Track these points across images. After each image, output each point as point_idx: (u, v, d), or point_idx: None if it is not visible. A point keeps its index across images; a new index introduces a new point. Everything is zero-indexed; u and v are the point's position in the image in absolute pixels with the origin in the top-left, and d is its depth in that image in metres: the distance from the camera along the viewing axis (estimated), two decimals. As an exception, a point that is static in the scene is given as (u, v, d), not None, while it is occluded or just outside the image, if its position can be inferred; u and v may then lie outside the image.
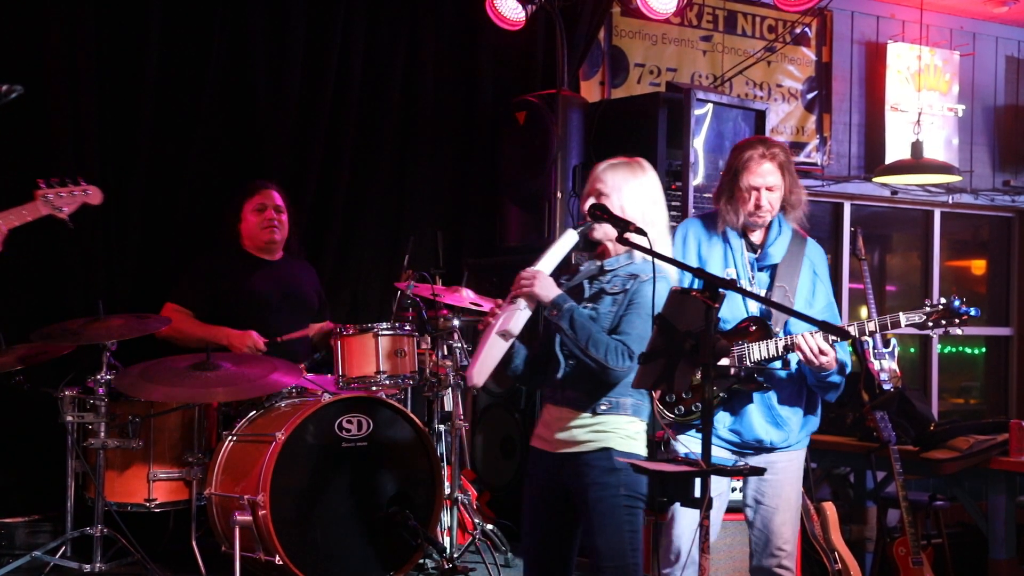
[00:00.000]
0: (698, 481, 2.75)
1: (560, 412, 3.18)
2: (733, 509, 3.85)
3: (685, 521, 3.54)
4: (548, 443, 3.20)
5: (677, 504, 3.53)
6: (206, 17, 5.20)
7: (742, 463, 3.50)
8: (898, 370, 5.92)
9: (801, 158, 7.12)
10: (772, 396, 3.55)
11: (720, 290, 2.74)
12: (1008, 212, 8.12)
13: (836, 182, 7.28)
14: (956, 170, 6.83)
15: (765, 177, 3.53)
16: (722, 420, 3.56)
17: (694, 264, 3.65)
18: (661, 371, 2.98)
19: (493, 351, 3.09)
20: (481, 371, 3.08)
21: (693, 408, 3.58)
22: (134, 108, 5.06)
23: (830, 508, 5.04)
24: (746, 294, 3.21)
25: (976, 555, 5.61)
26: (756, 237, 3.64)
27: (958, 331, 3.34)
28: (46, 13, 4.89)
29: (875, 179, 7.20)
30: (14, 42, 4.88)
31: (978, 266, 8.44)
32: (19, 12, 4.88)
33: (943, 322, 3.33)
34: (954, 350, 8.16)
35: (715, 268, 3.61)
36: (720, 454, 3.57)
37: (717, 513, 3.63)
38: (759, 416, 3.54)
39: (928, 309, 3.36)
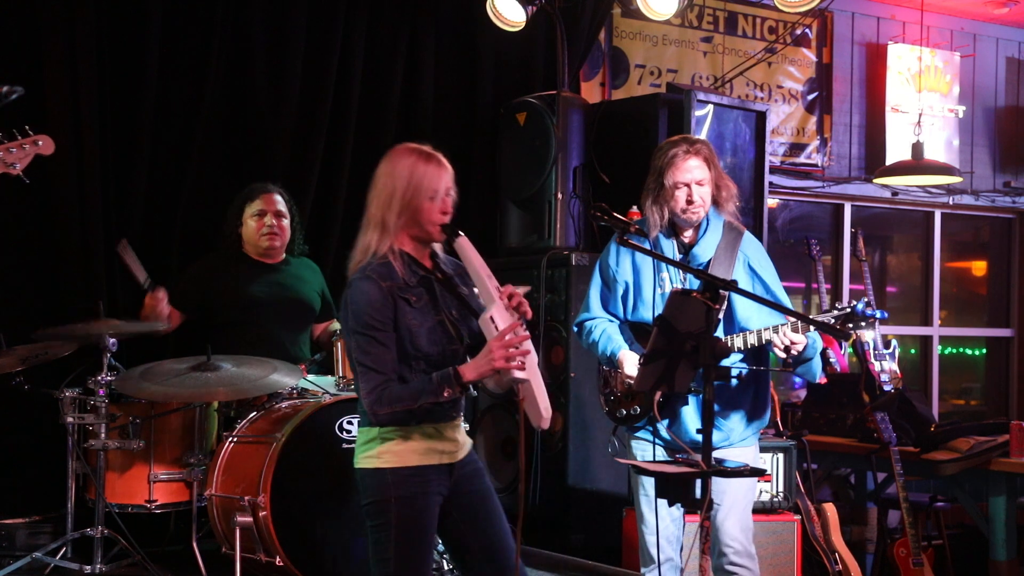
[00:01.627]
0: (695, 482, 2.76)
1: (457, 422, 3.05)
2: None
3: (654, 520, 3.58)
4: (450, 455, 3.00)
5: (648, 505, 3.59)
6: (206, 17, 5.20)
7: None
8: (898, 371, 5.93)
9: (802, 159, 7.13)
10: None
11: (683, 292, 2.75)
12: (1009, 213, 8.13)
13: (836, 183, 7.28)
14: (957, 171, 6.83)
15: (693, 172, 3.57)
16: (662, 423, 3.59)
17: (629, 275, 3.66)
18: (661, 372, 3.00)
19: (540, 382, 2.92)
20: (549, 408, 2.92)
21: (633, 411, 3.61)
22: (134, 109, 5.06)
23: (831, 509, 5.04)
24: (745, 295, 3.20)
25: (977, 556, 5.61)
26: (688, 237, 3.65)
27: (871, 332, 3.37)
28: (46, 14, 4.89)
29: (876, 180, 7.21)
30: (14, 42, 4.88)
31: (979, 267, 8.45)
32: (19, 13, 4.88)
33: (850, 324, 3.33)
34: (955, 351, 8.16)
35: (647, 275, 3.62)
36: (661, 454, 3.60)
37: (678, 512, 3.64)
38: (693, 417, 3.54)
39: (836, 312, 3.37)
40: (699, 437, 3.42)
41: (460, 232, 2.95)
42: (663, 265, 3.61)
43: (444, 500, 2.99)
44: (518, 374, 2.81)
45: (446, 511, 3.01)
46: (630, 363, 3.58)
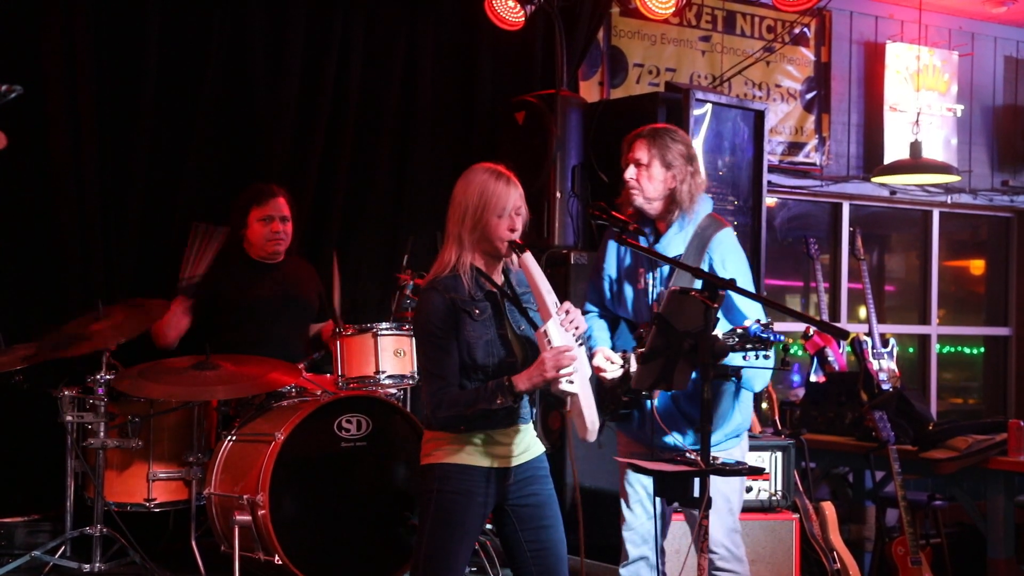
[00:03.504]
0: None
1: (520, 428, 3.15)
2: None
3: (632, 518, 3.57)
4: (504, 460, 3.11)
5: (626, 503, 3.59)
6: (205, 16, 5.21)
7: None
8: (897, 370, 5.93)
9: (800, 158, 7.13)
10: (673, 401, 3.47)
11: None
12: (1007, 212, 8.13)
13: (835, 182, 7.29)
14: (955, 170, 6.84)
15: (634, 151, 3.50)
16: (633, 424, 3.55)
17: (613, 268, 3.63)
18: (660, 371, 3.00)
19: (589, 396, 3.03)
20: (596, 422, 3.05)
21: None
22: (133, 108, 5.06)
23: (829, 508, 5.05)
24: (745, 294, 3.20)
25: (975, 555, 5.61)
26: (662, 230, 3.54)
27: (766, 354, 3.15)
28: (45, 12, 4.89)
29: (874, 179, 7.21)
30: (13, 42, 4.88)
31: (976, 266, 8.46)
32: (18, 11, 4.88)
33: (748, 346, 3.10)
34: (953, 350, 8.17)
35: (631, 272, 3.57)
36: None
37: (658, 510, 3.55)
38: (660, 420, 3.45)
39: (739, 332, 3.11)
40: (668, 439, 3.45)
41: (526, 248, 3.09)
42: (643, 259, 3.52)
43: (500, 502, 3.13)
44: (566, 386, 2.94)
45: (504, 513, 3.15)
46: (597, 357, 3.52)
